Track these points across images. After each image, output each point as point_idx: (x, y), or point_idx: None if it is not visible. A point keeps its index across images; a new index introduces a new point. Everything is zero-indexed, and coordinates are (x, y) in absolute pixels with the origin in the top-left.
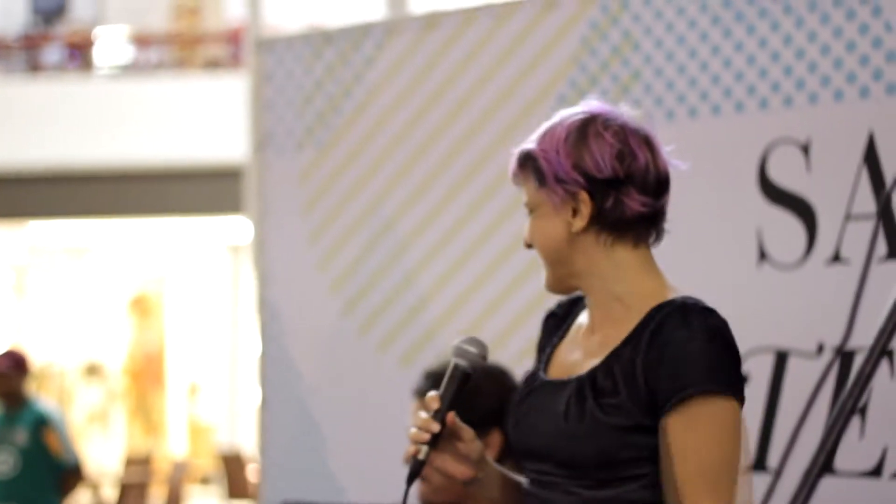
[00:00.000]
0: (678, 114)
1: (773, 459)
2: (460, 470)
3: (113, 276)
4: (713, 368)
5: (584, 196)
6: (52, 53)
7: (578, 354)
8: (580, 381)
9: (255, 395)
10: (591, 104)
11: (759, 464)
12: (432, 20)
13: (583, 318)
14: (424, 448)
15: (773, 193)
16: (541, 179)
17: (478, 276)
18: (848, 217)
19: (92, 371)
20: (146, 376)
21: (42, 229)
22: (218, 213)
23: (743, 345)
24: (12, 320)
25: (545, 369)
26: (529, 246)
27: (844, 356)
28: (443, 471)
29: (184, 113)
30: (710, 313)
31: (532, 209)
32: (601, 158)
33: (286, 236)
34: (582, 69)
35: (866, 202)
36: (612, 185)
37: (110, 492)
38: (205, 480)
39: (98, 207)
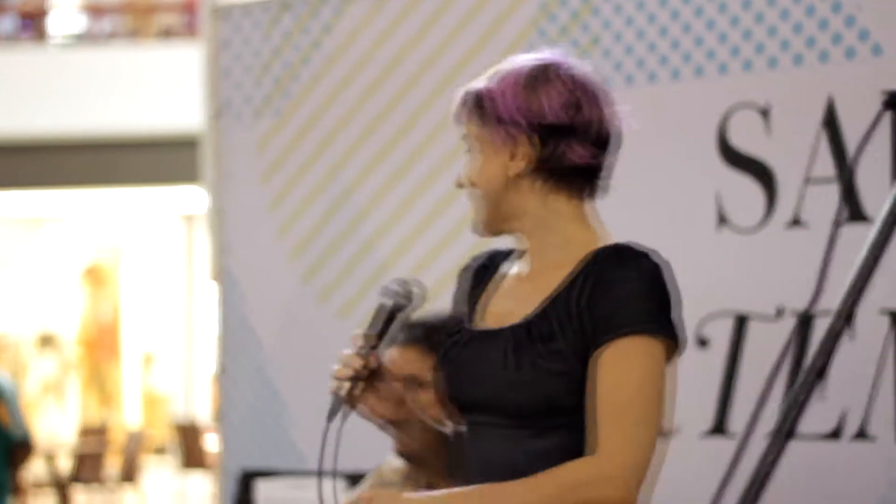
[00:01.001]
0: (638, 79)
1: (733, 424)
2: (380, 409)
3: (67, 246)
4: (647, 310)
5: (523, 139)
6: (5, 23)
7: (511, 303)
8: (516, 329)
9: (213, 364)
10: (549, 52)
11: (719, 428)
12: None
13: (508, 267)
14: (346, 384)
15: (733, 157)
16: (485, 118)
17: (436, 244)
18: (807, 181)
19: (46, 341)
20: (100, 346)
21: None
22: (173, 183)
23: (702, 309)
24: None
25: (474, 321)
26: (461, 185)
27: (804, 320)
28: (365, 408)
29: (138, 82)
30: (645, 256)
31: (473, 148)
32: (548, 104)
33: (245, 205)
34: (541, 34)
35: (826, 166)
36: (555, 133)
37: (65, 462)
38: (160, 450)
39: (52, 178)
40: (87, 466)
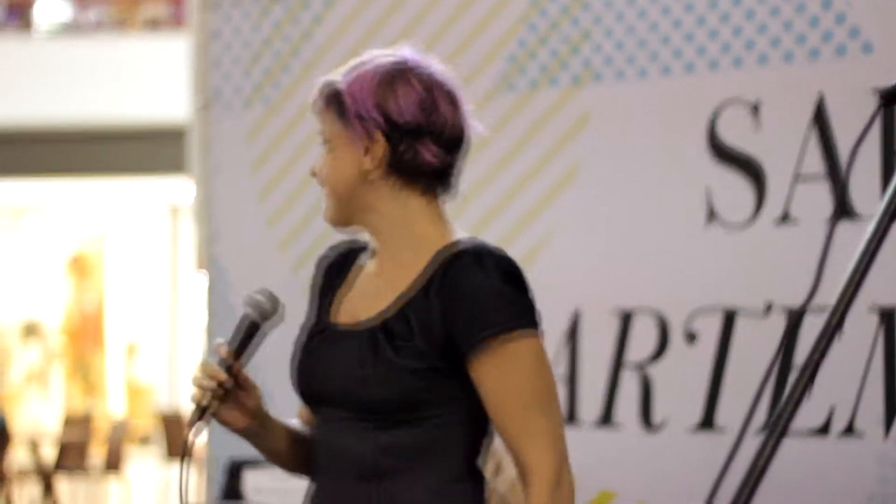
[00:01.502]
0: (628, 74)
1: (721, 418)
2: (234, 418)
3: (52, 235)
4: (513, 307)
5: (379, 136)
6: None
7: (363, 299)
8: (372, 326)
9: (198, 354)
10: (404, 51)
11: (708, 422)
12: None
13: (363, 261)
14: (209, 394)
15: (723, 153)
16: (341, 114)
17: None
18: (797, 177)
19: (30, 330)
20: (85, 336)
21: None
22: (158, 174)
23: (691, 304)
24: None
25: (330, 315)
26: (314, 175)
27: (792, 316)
28: (220, 418)
29: (124, 73)
30: (500, 253)
31: (327, 142)
32: (405, 104)
33: (234, 194)
34: (531, 28)
35: (815, 163)
36: (409, 133)
37: (49, 451)
38: (143, 440)
39: (37, 167)
40: (71, 455)
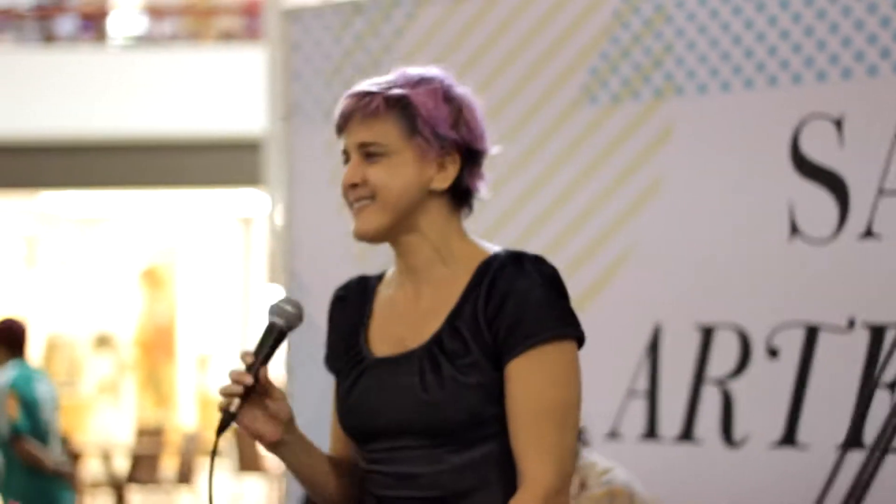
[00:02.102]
0: (711, 88)
1: (803, 434)
2: (268, 430)
3: (124, 247)
4: (554, 315)
5: (455, 157)
6: (66, 24)
7: (405, 326)
8: (427, 348)
9: (278, 367)
10: (439, 70)
11: (789, 438)
12: None
13: (384, 291)
14: (236, 400)
15: (806, 168)
16: (413, 128)
17: (508, 245)
18: (881, 192)
19: (102, 342)
20: (156, 347)
21: (54, 199)
22: (231, 185)
23: (773, 319)
24: (23, 290)
25: (369, 350)
26: (356, 186)
27: (875, 331)
28: (251, 429)
29: (198, 85)
30: (541, 261)
31: (385, 153)
32: (475, 128)
33: (314, 207)
34: (614, 42)
35: None
36: (474, 156)
37: (121, 462)
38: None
39: (110, 178)
40: (144, 467)
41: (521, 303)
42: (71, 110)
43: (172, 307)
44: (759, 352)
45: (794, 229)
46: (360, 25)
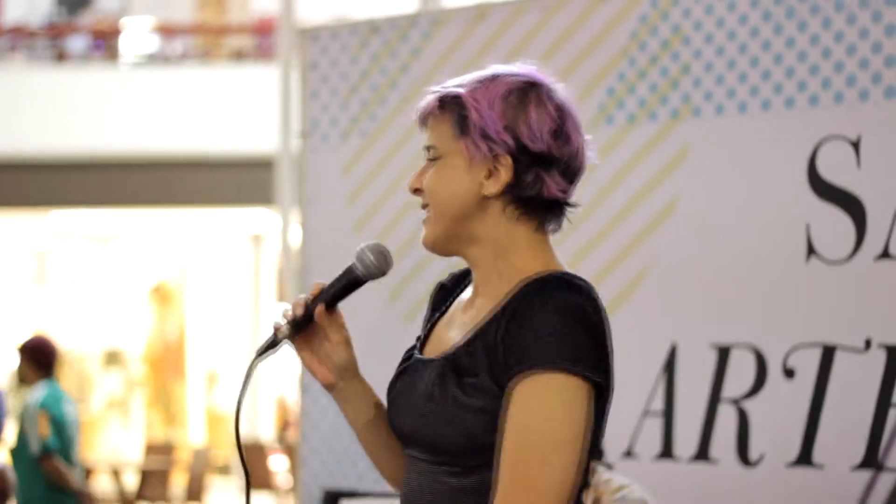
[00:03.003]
0: (728, 108)
1: (819, 454)
2: (320, 370)
3: (134, 264)
4: (558, 344)
5: (507, 160)
6: (78, 42)
7: (453, 331)
8: (444, 359)
9: (282, 385)
10: (529, 69)
11: (806, 459)
12: (481, 11)
13: (466, 293)
14: (286, 328)
15: (823, 189)
16: (463, 129)
17: None
18: None
19: (112, 359)
20: (166, 364)
21: (64, 217)
22: (242, 204)
23: (789, 339)
24: (33, 307)
25: (422, 347)
26: (417, 192)
27: (891, 352)
28: (306, 363)
29: (209, 103)
30: (573, 288)
31: (439, 156)
32: (538, 129)
33: (328, 226)
34: (631, 63)
35: None
36: (538, 160)
37: (131, 479)
38: (224, 469)
39: (121, 196)
40: (153, 484)
41: (530, 328)
42: (82, 128)
43: (182, 324)
44: (775, 372)
45: (811, 250)
46: (377, 45)
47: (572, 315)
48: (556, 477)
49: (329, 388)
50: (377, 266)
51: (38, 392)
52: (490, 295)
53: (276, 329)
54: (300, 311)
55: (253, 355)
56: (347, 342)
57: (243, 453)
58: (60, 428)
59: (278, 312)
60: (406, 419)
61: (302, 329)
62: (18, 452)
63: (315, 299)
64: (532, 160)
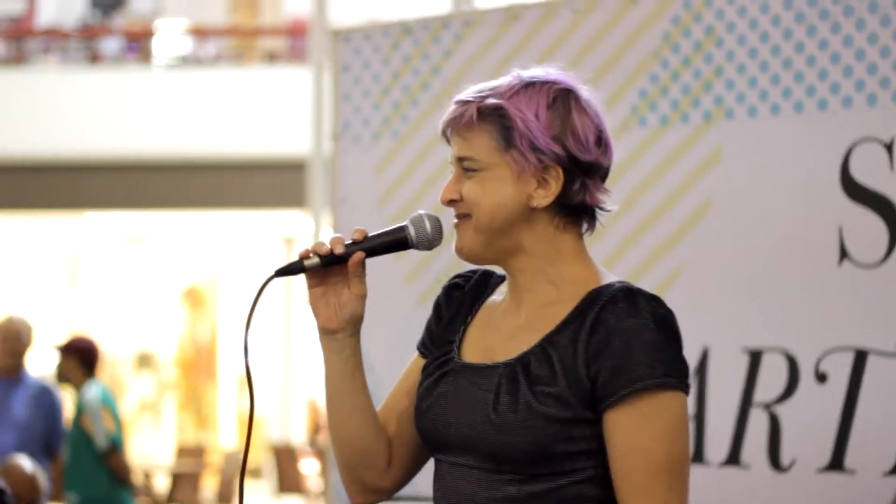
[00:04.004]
0: (761, 111)
1: (851, 460)
2: (324, 313)
3: (167, 267)
4: (664, 361)
5: (557, 171)
6: (111, 44)
7: (498, 338)
8: (511, 366)
9: (311, 388)
10: (558, 73)
11: (837, 464)
12: (513, 13)
13: (496, 297)
14: (315, 259)
15: (856, 192)
16: (509, 140)
17: None
18: None
19: (144, 361)
20: (197, 368)
21: (98, 219)
22: (275, 206)
23: (822, 343)
24: (66, 309)
25: (459, 353)
26: (452, 203)
27: None
28: (312, 301)
29: (241, 106)
30: (657, 301)
31: (480, 168)
32: (585, 138)
33: (361, 227)
34: (664, 65)
35: None
36: (584, 169)
37: (162, 482)
38: (255, 473)
39: (154, 199)
40: (184, 487)
41: (629, 344)
42: (115, 131)
43: (214, 327)
44: (807, 376)
45: (844, 253)
46: (409, 47)
47: (667, 330)
48: (683, 492)
49: (326, 332)
50: (429, 238)
51: (94, 389)
52: (541, 304)
53: (304, 256)
54: (339, 250)
55: (271, 273)
56: (365, 297)
57: (251, 378)
58: (118, 424)
59: (311, 242)
60: (462, 428)
61: (329, 266)
62: (79, 451)
63: (356, 243)
64: (580, 169)
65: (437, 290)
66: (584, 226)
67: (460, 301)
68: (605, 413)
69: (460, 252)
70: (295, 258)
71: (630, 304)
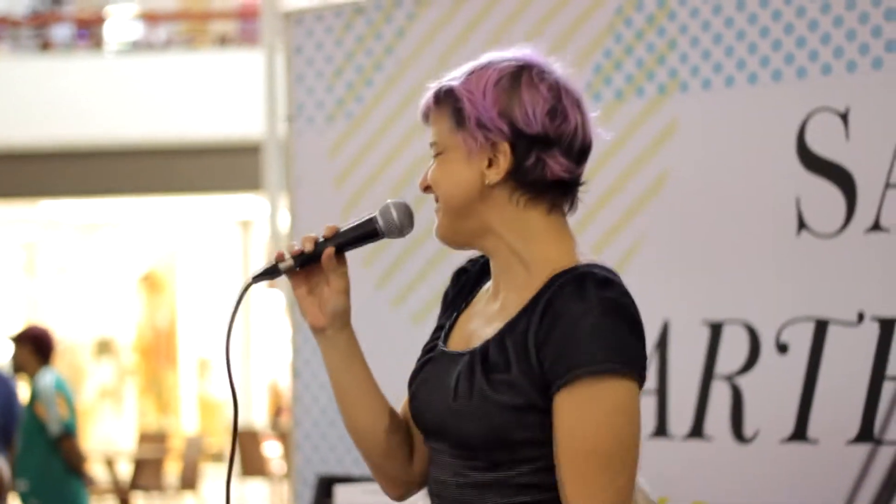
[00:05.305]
0: (715, 83)
1: (813, 429)
2: (311, 311)
3: (124, 252)
4: (607, 347)
5: (504, 147)
6: (62, 31)
7: (478, 323)
8: (473, 354)
9: (271, 370)
10: (524, 52)
11: (800, 434)
12: None
13: (489, 283)
14: (290, 261)
15: (812, 162)
16: (459, 121)
17: None
18: (888, 185)
19: (103, 348)
20: (157, 353)
21: (53, 207)
22: (230, 190)
23: (782, 314)
24: (23, 297)
25: (446, 338)
26: (427, 189)
27: (884, 325)
28: (299, 301)
29: (194, 90)
30: (609, 284)
31: (440, 151)
32: (532, 111)
33: (317, 210)
34: (617, 39)
35: None
36: (536, 143)
37: (125, 468)
38: (217, 457)
39: (109, 185)
40: (147, 473)
41: (571, 329)
42: (68, 118)
43: (173, 312)
44: (768, 347)
45: (802, 224)
46: (361, 27)
47: (614, 314)
48: (623, 481)
49: (316, 331)
50: (399, 226)
51: (48, 376)
52: (515, 287)
53: (279, 258)
54: (309, 247)
55: (248, 278)
56: (346, 290)
57: (233, 379)
58: (72, 411)
59: (284, 244)
60: (431, 413)
61: (305, 265)
62: (32, 438)
63: (326, 240)
64: (530, 143)
65: (394, 272)
66: (560, 203)
67: (463, 285)
68: (553, 400)
69: (437, 236)
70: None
71: (577, 288)
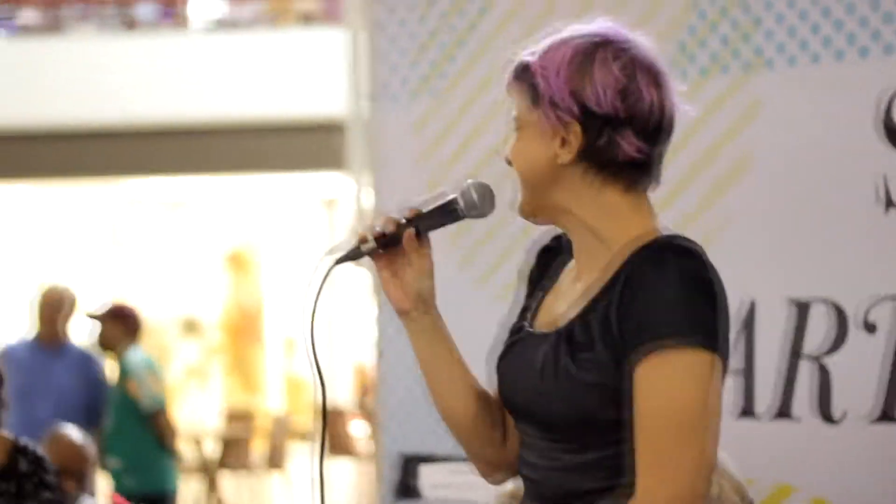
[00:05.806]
0: (800, 60)
1: None
2: (395, 295)
3: (209, 231)
4: (685, 319)
5: (576, 127)
6: (146, 10)
7: (563, 303)
8: (558, 334)
9: (358, 350)
10: (605, 26)
11: (888, 414)
12: None
13: (572, 261)
14: (372, 243)
15: None
16: (535, 98)
17: None
18: None
19: (189, 327)
20: (243, 332)
21: (139, 185)
22: (314, 169)
23: (869, 293)
24: (109, 277)
25: (532, 319)
26: (510, 163)
27: None
28: (383, 284)
29: (278, 68)
30: (689, 254)
31: (520, 126)
32: (603, 92)
33: (400, 188)
34: (701, 16)
35: None
36: (608, 123)
37: (211, 447)
38: (304, 436)
39: (193, 164)
40: (234, 452)
41: (650, 301)
42: (153, 97)
43: (258, 291)
44: (855, 327)
45: (889, 202)
46: (445, 4)
47: (692, 285)
48: (698, 456)
49: (402, 314)
50: (479, 206)
51: (139, 354)
52: (594, 265)
53: (362, 240)
54: (391, 229)
55: (332, 260)
56: (430, 272)
57: (319, 365)
58: (163, 388)
59: (367, 224)
60: (519, 395)
61: (387, 247)
62: (123, 416)
63: (408, 222)
64: (601, 123)
65: (478, 252)
66: (638, 182)
67: (547, 264)
68: (631, 374)
69: (518, 211)
70: (353, 241)
71: (657, 260)
